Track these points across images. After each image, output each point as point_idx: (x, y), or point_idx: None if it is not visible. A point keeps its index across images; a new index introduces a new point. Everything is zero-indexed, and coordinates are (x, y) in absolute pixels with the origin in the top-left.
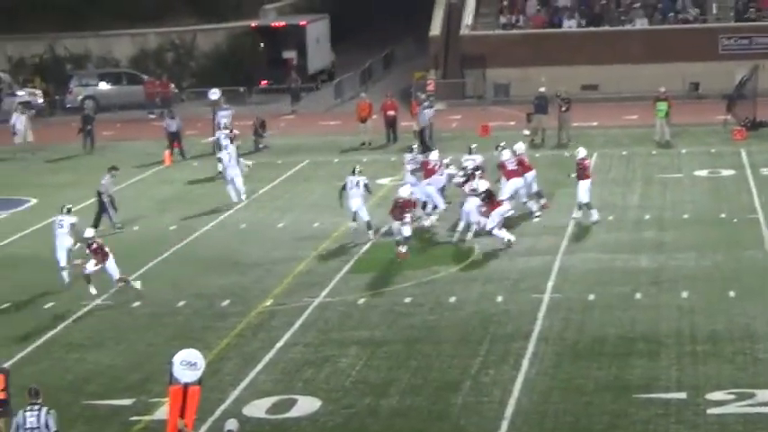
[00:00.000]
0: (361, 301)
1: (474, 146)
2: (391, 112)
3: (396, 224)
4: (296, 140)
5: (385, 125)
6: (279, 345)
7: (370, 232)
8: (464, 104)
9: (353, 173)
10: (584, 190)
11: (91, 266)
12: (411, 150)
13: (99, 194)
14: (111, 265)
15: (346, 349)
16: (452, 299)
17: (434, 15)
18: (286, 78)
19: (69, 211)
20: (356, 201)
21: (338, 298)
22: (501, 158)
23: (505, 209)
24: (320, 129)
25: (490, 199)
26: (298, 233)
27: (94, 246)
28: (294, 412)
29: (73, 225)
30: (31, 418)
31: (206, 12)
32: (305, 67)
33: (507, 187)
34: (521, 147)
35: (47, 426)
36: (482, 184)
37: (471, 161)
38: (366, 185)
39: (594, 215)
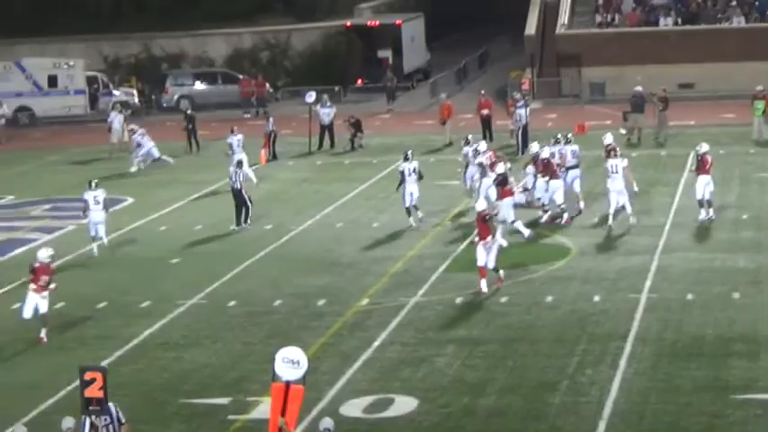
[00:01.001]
0: (458, 300)
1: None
2: (486, 111)
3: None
4: (391, 140)
5: (480, 124)
6: (375, 344)
7: (420, 213)
8: (559, 103)
9: (407, 159)
10: (702, 186)
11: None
12: (468, 144)
13: (237, 191)
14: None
15: (443, 348)
16: (549, 298)
17: (530, 14)
18: (381, 77)
19: (98, 185)
20: (413, 187)
21: (435, 297)
22: (536, 153)
23: (514, 199)
24: (416, 128)
25: (502, 184)
26: (394, 232)
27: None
28: (391, 412)
29: (105, 200)
30: (103, 414)
31: (301, 11)
32: (400, 67)
33: (550, 188)
34: (535, 146)
35: (118, 419)
36: (499, 167)
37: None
38: (419, 171)
39: (705, 214)
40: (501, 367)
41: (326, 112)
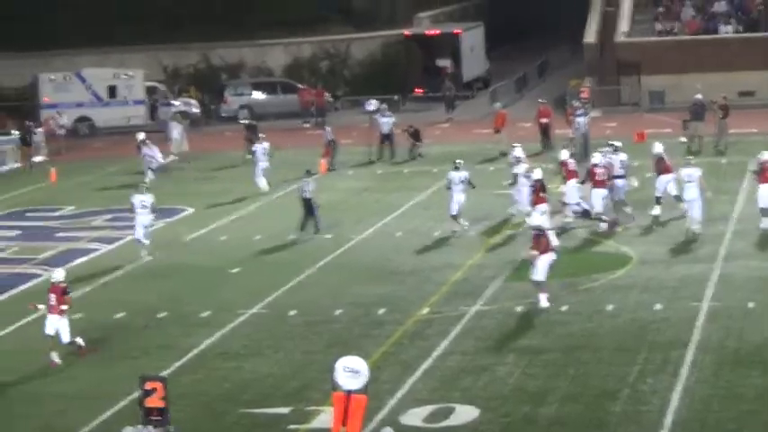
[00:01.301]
0: (518, 309)
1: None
2: (545, 120)
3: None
4: (451, 149)
5: (539, 132)
6: (436, 353)
7: (464, 222)
8: (619, 111)
9: (456, 168)
10: (764, 194)
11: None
12: (517, 162)
13: (307, 200)
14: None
15: (504, 357)
16: (610, 307)
17: (589, 22)
18: (440, 87)
19: (145, 190)
20: (461, 196)
21: (495, 306)
22: (561, 158)
23: (544, 208)
24: (475, 137)
25: (537, 190)
26: (453, 241)
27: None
28: (452, 421)
29: (152, 204)
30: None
31: (360, 20)
32: (459, 76)
33: (594, 196)
34: (565, 154)
35: None
36: (536, 173)
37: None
38: (469, 180)
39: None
40: (562, 376)
41: (386, 122)
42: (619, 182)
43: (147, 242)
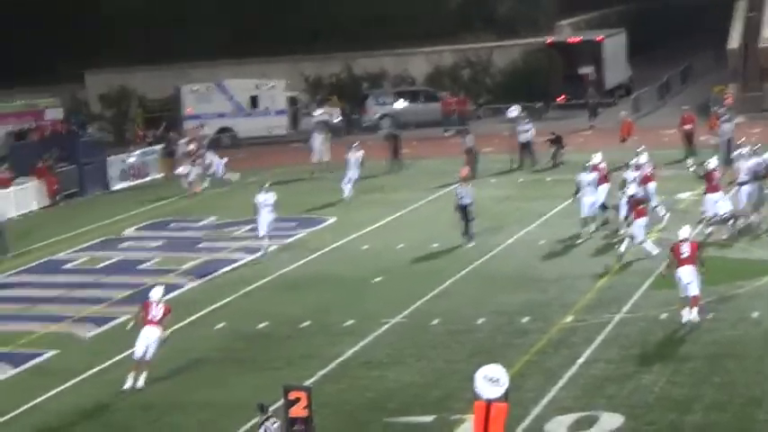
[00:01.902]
0: (663, 316)
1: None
2: (688, 126)
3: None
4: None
5: (682, 139)
6: (580, 361)
7: (593, 226)
8: (764, 117)
9: (587, 171)
10: None
11: None
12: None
13: (463, 207)
14: None
15: (649, 365)
16: (755, 314)
17: (733, 28)
18: (583, 94)
19: (269, 189)
20: (590, 198)
21: (639, 313)
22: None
23: (645, 221)
24: (618, 144)
25: (637, 204)
26: (597, 249)
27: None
28: (596, 429)
29: (275, 202)
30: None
31: (502, 28)
32: (602, 83)
33: (707, 202)
34: (645, 158)
35: None
36: (631, 189)
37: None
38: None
39: None
40: (708, 383)
41: (524, 130)
42: (744, 188)
43: (267, 240)
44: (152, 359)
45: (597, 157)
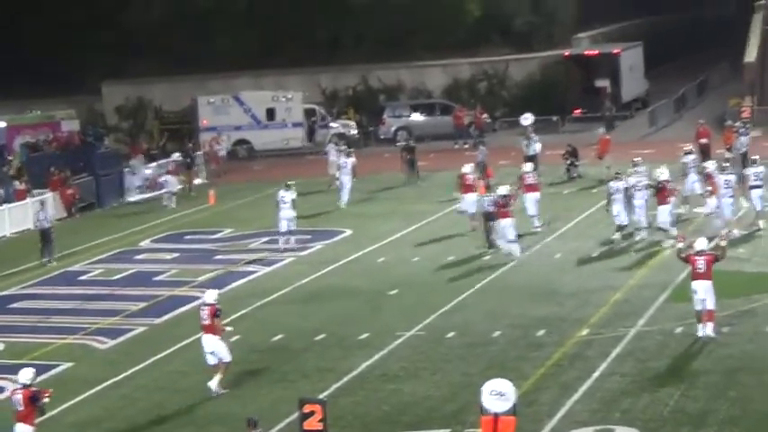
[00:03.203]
0: (679, 330)
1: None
2: (704, 140)
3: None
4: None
5: (698, 152)
6: (595, 374)
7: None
8: None
9: (618, 178)
10: None
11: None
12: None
13: (488, 214)
14: None
15: (664, 379)
16: None
17: (750, 41)
18: (600, 107)
19: (289, 187)
20: (619, 207)
21: (655, 327)
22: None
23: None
24: (634, 157)
25: (659, 192)
26: (613, 261)
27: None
28: None
29: (294, 200)
30: None
31: (518, 41)
32: (618, 96)
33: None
34: (664, 171)
35: None
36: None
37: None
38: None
39: None
40: (723, 398)
41: (527, 144)
42: (755, 192)
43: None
44: (225, 360)
45: (665, 173)
